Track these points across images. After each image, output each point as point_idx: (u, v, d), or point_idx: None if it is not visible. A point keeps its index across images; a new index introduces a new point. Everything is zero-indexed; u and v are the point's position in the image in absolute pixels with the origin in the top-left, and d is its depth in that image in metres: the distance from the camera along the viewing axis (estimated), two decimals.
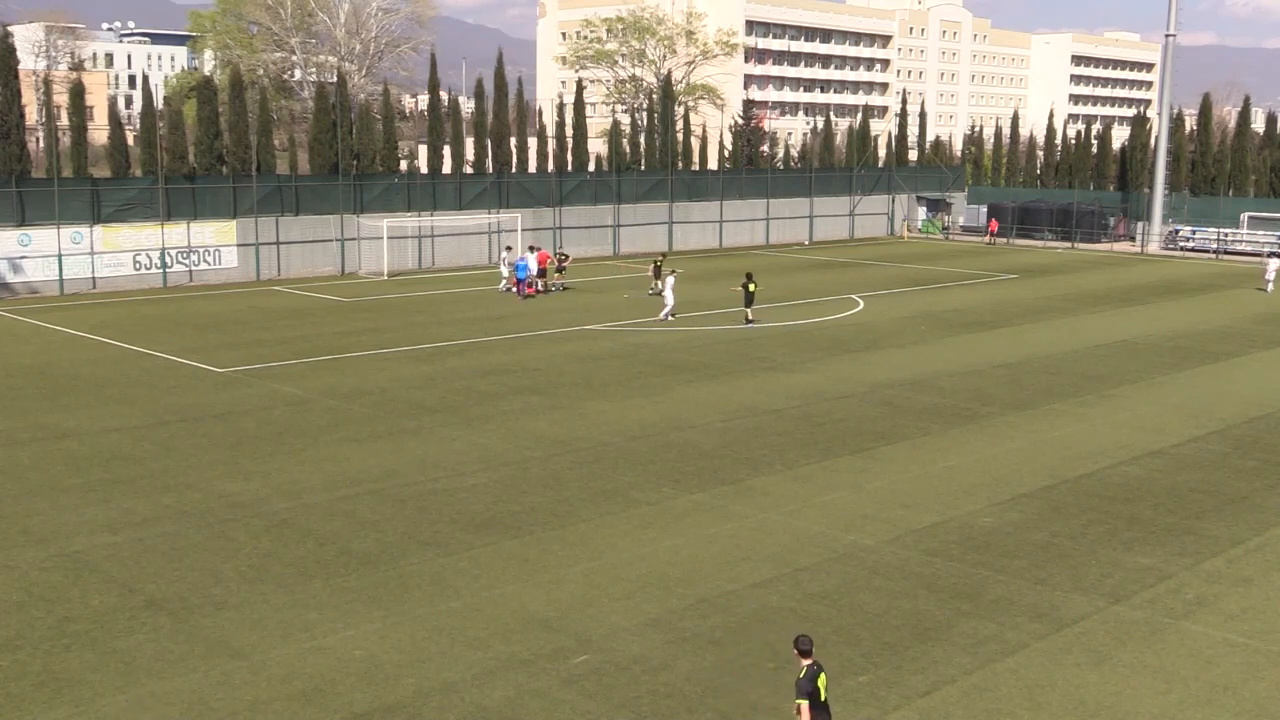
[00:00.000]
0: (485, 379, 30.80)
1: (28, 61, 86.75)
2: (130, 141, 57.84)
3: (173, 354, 33.93)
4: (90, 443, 24.19)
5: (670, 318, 40.03)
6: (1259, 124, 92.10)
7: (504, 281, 48.58)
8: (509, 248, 51.81)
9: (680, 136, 72.18)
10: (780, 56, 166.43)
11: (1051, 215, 75.22)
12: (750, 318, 39.54)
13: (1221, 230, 69.77)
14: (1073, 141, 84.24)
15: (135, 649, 14.69)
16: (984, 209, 78.21)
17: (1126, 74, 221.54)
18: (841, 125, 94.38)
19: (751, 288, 39.57)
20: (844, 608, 16.24)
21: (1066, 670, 14.47)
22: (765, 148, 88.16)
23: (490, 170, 61.85)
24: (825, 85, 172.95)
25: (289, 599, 16.26)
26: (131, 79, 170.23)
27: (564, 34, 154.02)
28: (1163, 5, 74.73)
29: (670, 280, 40.82)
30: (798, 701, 11.20)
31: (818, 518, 19.98)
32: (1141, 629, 15.70)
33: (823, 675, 11.36)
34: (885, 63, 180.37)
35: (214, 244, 50.63)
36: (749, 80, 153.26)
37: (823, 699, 11.30)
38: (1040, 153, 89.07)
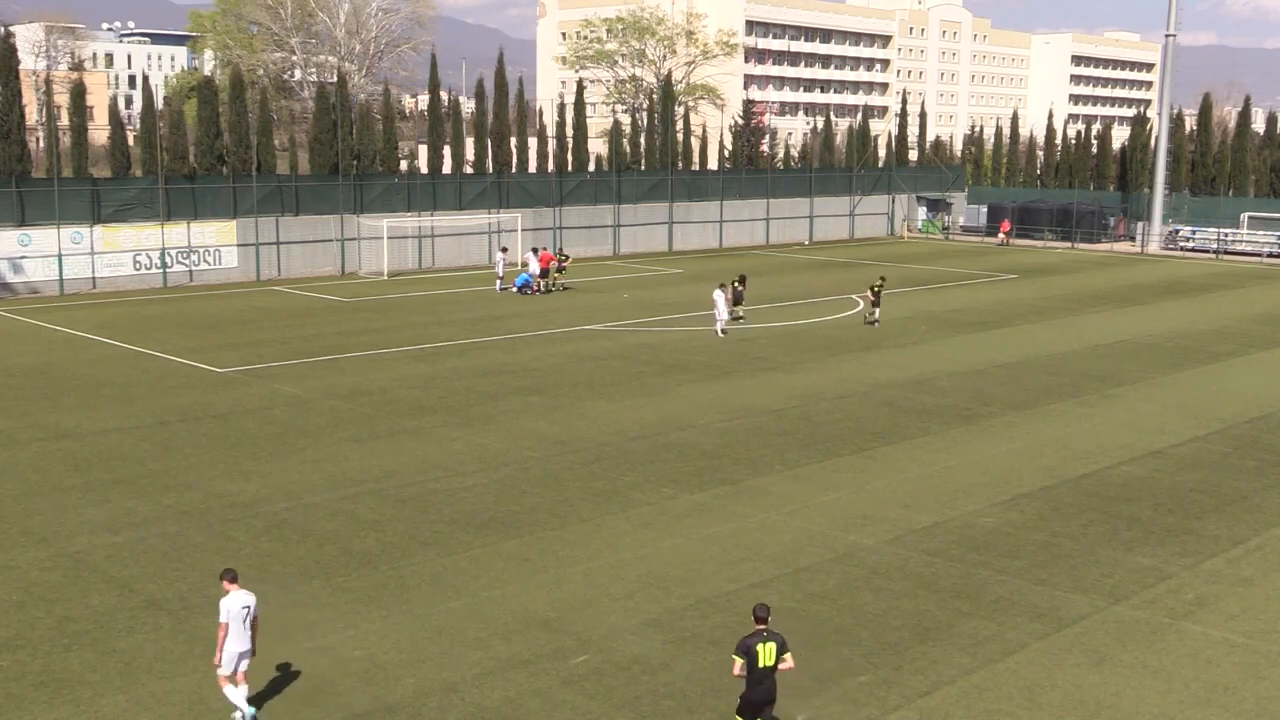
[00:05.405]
0: (485, 379, 30.80)
1: (28, 61, 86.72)
2: (130, 141, 57.77)
3: (173, 354, 33.93)
4: (90, 443, 24.19)
5: (723, 332, 37.83)
6: (1259, 124, 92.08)
7: (499, 282, 48.69)
8: (504, 249, 51.89)
9: (680, 136, 72.14)
10: (780, 56, 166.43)
11: (1051, 215, 75.13)
12: (739, 314, 40.54)
13: (1221, 230, 69.75)
14: (1073, 141, 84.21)
15: (135, 649, 14.70)
16: (984, 209, 78.15)
17: (1126, 74, 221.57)
18: (841, 125, 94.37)
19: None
20: (844, 608, 16.24)
21: (1066, 670, 14.47)
22: (765, 144, 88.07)
23: (490, 170, 61.82)
24: (825, 85, 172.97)
25: (289, 599, 16.26)
26: (131, 79, 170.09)
27: (564, 34, 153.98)
28: (1163, 5, 74.67)
29: (720, 293, 38.53)
30: (733, 656, 12.15)
31: (818, 518, 19.99)
32: (1141, 629, 15.70)
33: (770, 644, 12.01)
34: (885, 63, 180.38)
35: (214, 244, 50.64)
36: (749, 80, 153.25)
37: (761, 664, 12.00)
38: (1040, 153, 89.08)
